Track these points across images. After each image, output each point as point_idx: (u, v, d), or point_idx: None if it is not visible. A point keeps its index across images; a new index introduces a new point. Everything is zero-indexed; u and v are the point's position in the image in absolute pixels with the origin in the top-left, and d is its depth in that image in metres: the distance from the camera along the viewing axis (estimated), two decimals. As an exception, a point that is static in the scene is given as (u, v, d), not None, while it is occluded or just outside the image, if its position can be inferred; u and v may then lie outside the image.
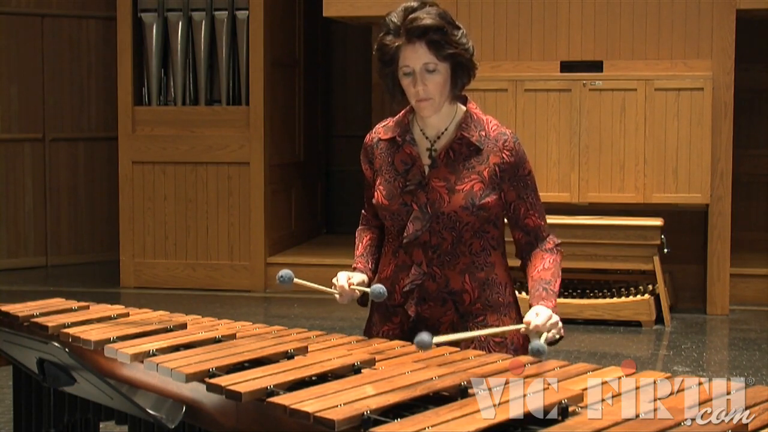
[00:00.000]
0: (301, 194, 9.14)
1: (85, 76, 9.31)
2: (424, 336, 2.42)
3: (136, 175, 8.24)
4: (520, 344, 2.79)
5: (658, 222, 6.90)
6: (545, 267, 2.75)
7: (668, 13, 7.20)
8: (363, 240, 2.97)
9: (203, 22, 8.16)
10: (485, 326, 2.76)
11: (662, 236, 6.87)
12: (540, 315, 2.60)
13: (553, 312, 2.63)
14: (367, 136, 2.92)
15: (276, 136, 8.39)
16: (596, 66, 7.25)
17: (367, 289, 2.78)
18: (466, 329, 2.76)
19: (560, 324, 2.63)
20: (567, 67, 7.28)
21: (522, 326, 2.61)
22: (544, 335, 2.58)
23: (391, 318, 2.85)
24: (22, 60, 9.01)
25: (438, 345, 2.53)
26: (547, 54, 7.35)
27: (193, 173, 8.18)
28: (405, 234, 2.77)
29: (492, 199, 2.74)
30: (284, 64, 8.64)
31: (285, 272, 2.81)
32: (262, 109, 8.07)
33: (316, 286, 2.86)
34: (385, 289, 2.74)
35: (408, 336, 2.76)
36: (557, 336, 2.63)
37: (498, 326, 2.76)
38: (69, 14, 9.18)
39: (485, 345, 2.74)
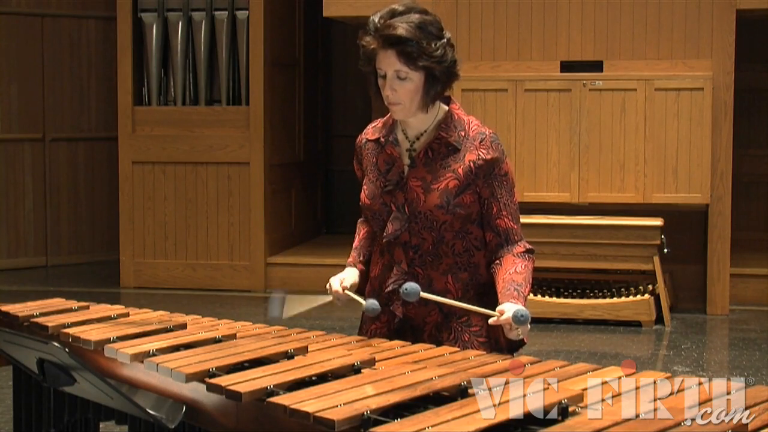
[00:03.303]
0: (301, 194, 9.14)
1: (85, 76, 9.31)
2: (412, 285, 2.56)
3: (136, 175, 8.23)
4: (504, 345, 2.79)
5: (658, 222, 6.89)
6: (517, 270, 2.72)
7: (668, 13, 7.20)
8: (360, 232, 3.00)
9: (203, 22, 8.16)
10: (469, 326, 2.78)
11: (662, 236, 6.87)
12: (513, 310, 2.57)
13: None
14: (358, 137, 2.96)
15: (276, 136, 8.39)
16: (596, 66, 7.25)
17: (361, 300, 2.80)
18: (450, 329, 2.79)
19: (528, 327, 2.61)
20: (567, 67, 7.28)
21: (495, 315, 2.61)
22: (515, 332, 2.59)
23: (379, 317, 2.86)
24: (22, 60, 9.01)
25: (424, 300, 2.67)
26: (547, 54, 7.34)
27: (193, 173, 8.18)
28: (384, 234, 2.79)
29: (468, 197, 2.74)
30: (284, 64, 8.64)
31: (275, 298, 2.82)
32: (262, 109, 8.07)
33: (309, 304, 2.89)
34: (377, 304, 2.75)
35: (395, 335, 2.80)
36: (521, 337, 2.62)
37: (482, 327, 2.77)
38: (69, 14, 9.18)
39: (469, 344, 2.75)
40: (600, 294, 7.02)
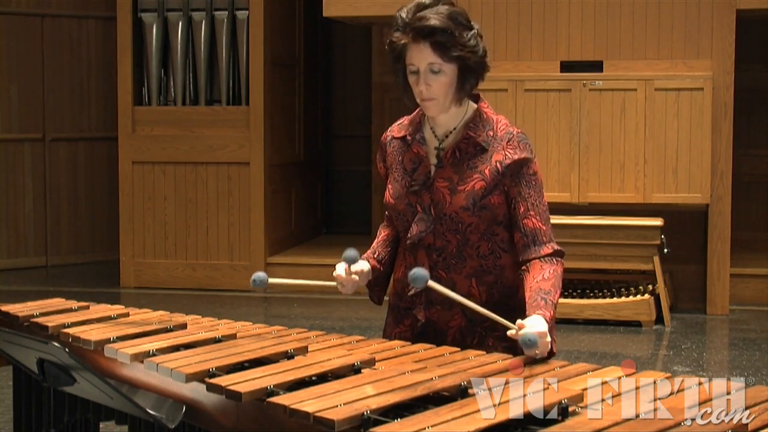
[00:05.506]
0: (301, 194, 9.14)
1: (85, 76, 9.31)
2: (420, 271, 2.44)
3: (136, 175, 8.23)
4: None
5: (658, 222, 6.90)
6: (545, 277, 2.61)
7: (668, 13, 7.20)
8: (380, 235, 2.93)
9: (203, 22, 8.16)
10: (493, 331, 2.69)
11: (662, 236, 6.87)
12: (535, 326, 2.45)
13: (548, 325, 2.49)
14: (384, 134, 2.89)
15: (276, 136, 8.39)
16: (596, 66, 7.25)
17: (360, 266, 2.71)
18: (474, 334, 2.72)
19: (548, 340, 2.48)
20: (567, 67, 7.28)
21: (514, 328, 2.49)
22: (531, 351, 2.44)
23: (402, 321, 2.81)
24: (22, 60, 9.01)
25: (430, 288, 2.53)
26: (547, 54, 7.34)
27: (193, 173, 8.18)
28: (409, 235, 2.73)
29: (495, 198, 2.68)
30: (284, 64, 8.64)
31: (258, 275, 2.66)
32: (262, 109, 8.07)
33: (303, 282, 2.83)
34: (356, 251, 2.67)
35: (418, 338, 2.73)
36: (538, 354, 2.46)
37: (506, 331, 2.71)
38: (69, 14, 9.18)
39: (494, 349, 2.67)
40: (600, 294, 7.02)
